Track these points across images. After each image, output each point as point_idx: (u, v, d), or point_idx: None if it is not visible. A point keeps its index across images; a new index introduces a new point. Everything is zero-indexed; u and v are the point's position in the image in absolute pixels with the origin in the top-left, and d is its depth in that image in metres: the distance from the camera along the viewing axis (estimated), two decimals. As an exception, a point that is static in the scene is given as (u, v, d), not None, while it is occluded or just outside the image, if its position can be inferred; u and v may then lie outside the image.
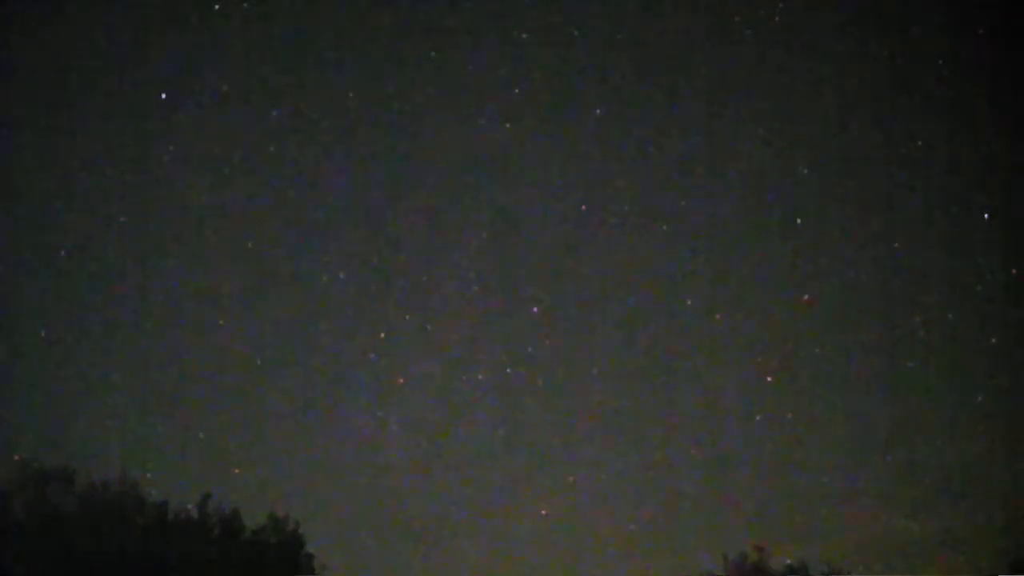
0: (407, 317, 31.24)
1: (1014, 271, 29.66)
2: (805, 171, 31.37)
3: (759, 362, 30.68)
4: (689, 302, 31.44)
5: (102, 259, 30.44)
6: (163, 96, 30.51)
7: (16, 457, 23.38)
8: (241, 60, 31.08)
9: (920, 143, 31.11)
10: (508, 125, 31.71)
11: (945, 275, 30.77)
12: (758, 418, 30.24)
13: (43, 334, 29.27)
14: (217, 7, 30.61)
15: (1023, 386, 29.44)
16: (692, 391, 31.18)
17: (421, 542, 28.72)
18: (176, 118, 30.69)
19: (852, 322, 31.19)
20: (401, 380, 30.84)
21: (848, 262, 31.38)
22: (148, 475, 25.32)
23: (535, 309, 31.36)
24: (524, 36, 31.47)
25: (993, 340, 29.83)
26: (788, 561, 25.87)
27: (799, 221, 31.29)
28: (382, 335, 30.97)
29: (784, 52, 31.11)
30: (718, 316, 31.50)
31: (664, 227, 31.85)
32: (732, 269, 31.75)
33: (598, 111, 31.86)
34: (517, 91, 31.55)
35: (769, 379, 30.41)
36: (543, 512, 29.70)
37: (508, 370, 31.09)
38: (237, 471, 28.54)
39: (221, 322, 30.82)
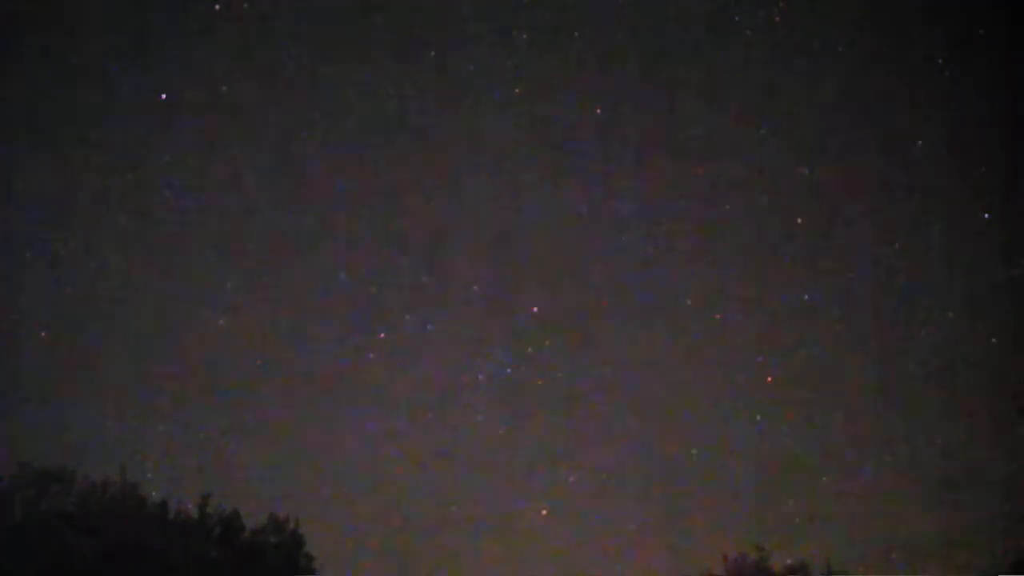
0: (407, 317, 31.28)
1: (1014, 271, 29.70)
2: (805, 171, 31.42)
3: (759, 362, 30.72)
4: (689, 302, 31.49)
5: (102, 259, 30.47)
6: (163, 96, 30.57)
7: (16, 457, 23.37)
8: (241, 60, 31.12)
9: (920, 143, 31.16)
10: (508, 125, 31.77)
11: (945, 275, 30.81)
12: (758, 418, 30.30)
13: (43, 334, 29.31)
14: (217, 7, 30.66)
15: (1023, 386, 29.47)
16: (692, 391, 31.22)
17: (421, 542, 28.73)
18: (176, 118, 30.73)
19: (852, 322, 31.23)
20: (401, 380, 30.89)
21: (848, 262, 31.44)
22: (148, 475, 25.33)
23: (535, 309, 31.41)
24: (524, 36, 31.53)
25: (993, 340, 29.89)
26: (788, 561, 25.86)
27: (799, 221, 31.35)
28: (382, 335, 31.01)
29: (784, 52, 31.16)
30: (718, 316, 31.55)
31: (664, 227, 31.90)
32: (732, 269, 31.80)
33: (598, 111, 31.91)
34: (517, 91, 31.61)
35: (769, 379, 30.46)
36: (543, 512, 29.74)
37: (508, 370, 31.13)
38: (237, 471, 28.57)
39: (221, 322, 30.86)
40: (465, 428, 30.86)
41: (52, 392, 28.38)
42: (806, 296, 31.06)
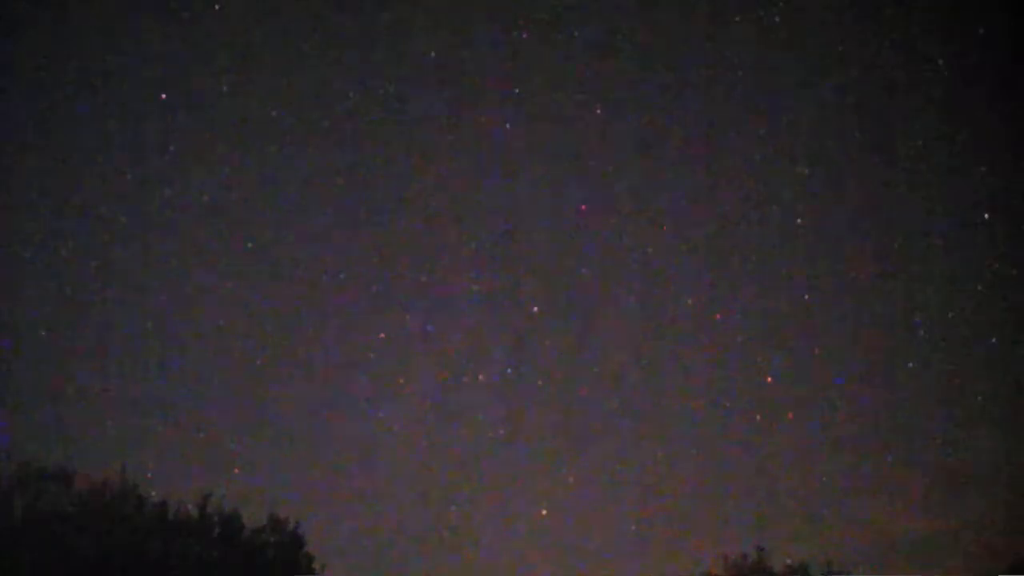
0: (407, 317, 31.28)
1: (1014, 271, 29.70)
2: (805, 171, 31.42)
3: (759, 362, 30.72)
4: (689, 302, 31.49)
5: (102, 259, 30.47)
6: (163, 96, 30.57)
7: (16, 457, 23.36)
8: (241, 60, 31.13)
9: (920, 143, 31.16)
10: (508, 125, 31.77)
11: (945, 275, 30.81)
12: (758, 418, 30.29)
13: (43, 334, 29.31)
14: (217, 7, 30.66)
15: (1023, 386, 29.49)
16: (692, 391, 31.23)
17: (421, 542, 28.74)
18: (176, 118, 30.73)
19: (852, 322, 31.24)
20: (401, 380, 30.89)
21: (848, 262, 31.44)
22: (148, 475, 25.32)
23: (535, 309, 31.40)
24: (524, 36, 31.52)
25: (993, 340, 29.89)
26: (788, 561, 25.87)
27: (799, 221, 31.35)
28: (382, 335, 31.00)
29: (784, 52, 31.16)
30: (718, 316, 31.54)
31: (664, 227, 31.91)
32: (732, 269, 31.79)
33: (598, 111, 31.91)
34: (517, 91, 31.60)
35: (769, 379, 30.45)
36: (543, 512, 29.74)
37: (508, 370, 31.12)
38: (237, 471, 28.58)
39: (221, 322, 30.87)
40: (465, 428, 30.90)
41: (52, 392, 28.43)
42: (806, 296, 31.09)
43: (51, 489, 23.04)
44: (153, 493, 23.99)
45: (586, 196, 32.07)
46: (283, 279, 31.58)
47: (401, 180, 32.06)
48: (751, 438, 30.15)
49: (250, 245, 31.17)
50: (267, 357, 30.73)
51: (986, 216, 30.11)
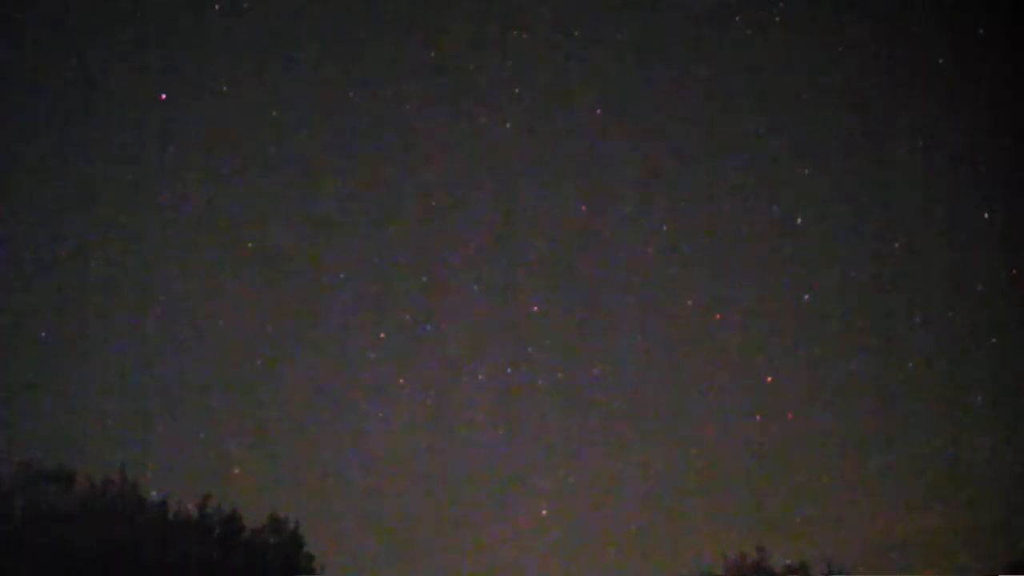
0: (407, 317, 31.27)
1: (1014, 271, 29.70)
2: (805, 171, 31.42)
3: (759, 362, 30.72)
4: (689, 302, 31.48)
5: (102, 259, 30.47)
6: (163, 96, 30.58)
7: (16, 457, 23.37)
8: (241, 60, 31.14)
9: (920, 143, 31.16)
10: (508, 125, 31.77)
11: (945, 275, 30.80)
12: (758, 418, 30.29)
13: (43, 334, 29.31)
14: (217, 7, 30.67)
15: (1023, 386, 29.50)
16: (692, 391, 31.23)
17: (421, 542, 28.74)
18: (176, 118, 30.74)
19: (852, 322, 31.23)
20: (401, 380, 30.89)
21: (848, 262, 31.44)
22: (148, 475, 25.33)
23: (535, 309, 31.41)
24: (524, 36, 31.53)
25: (993, 340, 29.89)
26: (788, 561, 25.87)
27: (799, 221, 31.35)
28: (382, 335, 31.00)
29: (784, 51, 31.16)
30: (718, 316, 31.54)
31: (664, 227, 31.90)
32: (732, 269, 31.80)
33: (598, 111, 31.91)
34: (517, 91, 31.60)
35: (769, 379, 30.45)
36: (543, 512, 29.74)
37: (508, 370, 31.13)
38: (237, 471, 28.58)
39: (221, 322, 30.87)
40: (465, 428, 30.90)
41: (52, 392, 28.43)
42: (806, 296, 31.09)
43: (51, 489, 23.05)
44: (153, 493, 24.03)
45: (586, 196, 32.11)
46: (283, 279, 31.62)
47: (401, 180, 32.09)
48: (751, 438, 30.18)
49: (250, 245, 31.22)
50: (267, 357, 30.76)
51: (986, 216, 30.15)
